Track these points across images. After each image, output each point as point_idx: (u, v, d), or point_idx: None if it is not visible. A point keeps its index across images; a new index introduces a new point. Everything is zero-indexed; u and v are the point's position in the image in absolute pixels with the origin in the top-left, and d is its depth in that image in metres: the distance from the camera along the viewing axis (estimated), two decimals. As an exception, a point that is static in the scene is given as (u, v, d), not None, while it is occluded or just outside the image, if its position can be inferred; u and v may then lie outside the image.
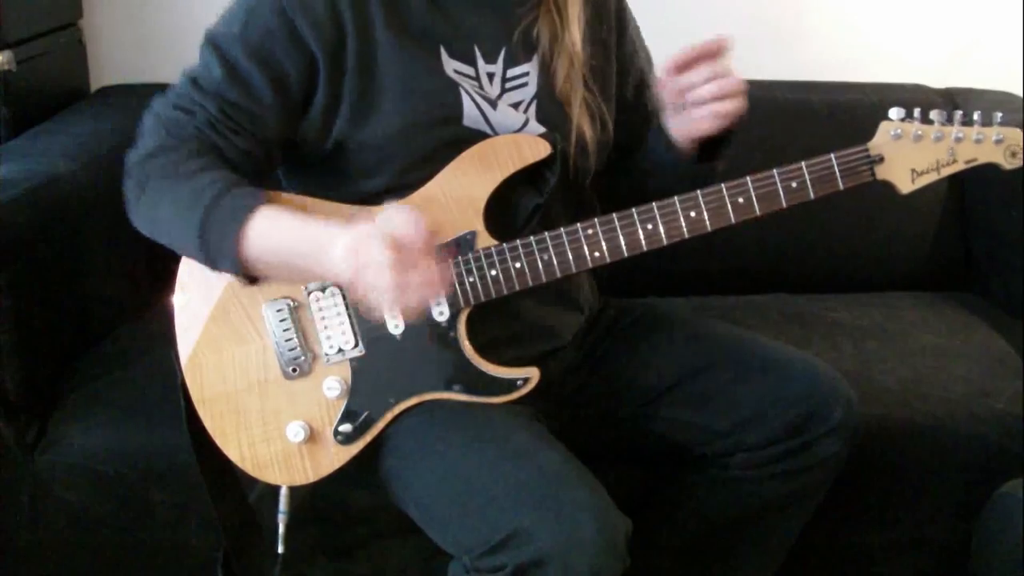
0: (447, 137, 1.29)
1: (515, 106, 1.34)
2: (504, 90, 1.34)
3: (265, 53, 1.25)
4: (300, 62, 1.26)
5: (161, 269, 1.74)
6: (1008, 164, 1.32)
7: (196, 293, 1.30)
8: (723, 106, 1.27)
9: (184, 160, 1.22)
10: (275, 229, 1.20)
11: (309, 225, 1.20)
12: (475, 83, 1.32)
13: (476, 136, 1.30)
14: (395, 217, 1.11)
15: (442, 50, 1.30)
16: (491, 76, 1.33)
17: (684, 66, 1.26)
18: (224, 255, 1.20)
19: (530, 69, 1.35)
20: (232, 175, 1.23)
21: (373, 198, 1.29)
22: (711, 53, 1.25)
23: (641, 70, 1.47)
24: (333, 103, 1.28)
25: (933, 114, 1.31)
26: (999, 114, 1.32)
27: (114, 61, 2.22)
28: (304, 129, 1.30)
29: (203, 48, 1.28)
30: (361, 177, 1.31)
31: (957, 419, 1.62)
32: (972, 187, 2.00)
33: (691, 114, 1.29)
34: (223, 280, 1.29)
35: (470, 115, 1.30)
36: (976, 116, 1.31)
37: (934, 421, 1.62)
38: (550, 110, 1.35)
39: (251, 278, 1.26)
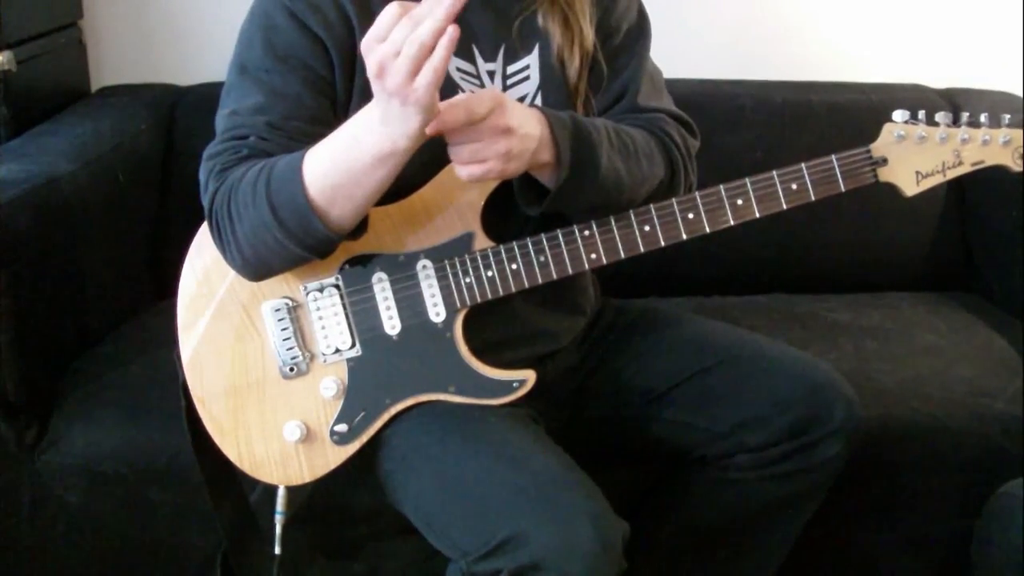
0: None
1: (520, 101, 1.33)
2: (506, 87, 1.33)
3: (294, 60, 1.25)
4: (324, 58, 1.26)
5: (161, 269, 1.74)
6: (1016, 166, 1.31)
7: (198, 292, 1.30)
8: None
9: (237, 180, 1.20)
10: (323, 151, 1.16)
11: (344, 126, 1.16)
12: (476, 81, 1.32)
13: None
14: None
15: None
16: (491, 74, 1.33)
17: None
18: (304, 217, 1.16)
19: (530, 62, 1.34)
20: (273, 159, 1.20)
21: (379, 200, 1.29)
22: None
23: (624, 90, 1.41)
24: (343, 105, 1.28)
25: (939, 116, 1.30)
26: (1007, 116, 1.30)
27: (114, 61, 2.22)
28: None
29: (232, 79, 1.28)
30: None
31: (957, 419, 1.62)
32: (972, 187, 2.00)
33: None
34: (225, 280, 1.29)
35: None
36: (983, 118, 1.30)
37: (934, 421, 1.62)
38: (556, 101, 1.34)
39: (349, 235, 1.22)
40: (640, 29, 1.42)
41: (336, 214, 1.17)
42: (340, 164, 1.15)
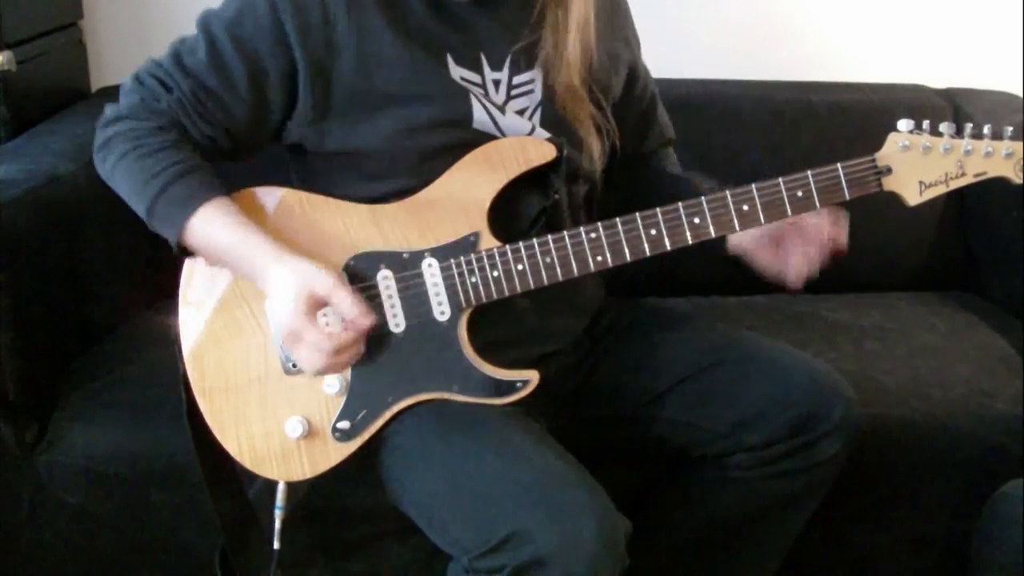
0: (456, 140, 1.29)
1: (521, 112, 1.34)
2: (510, 97, 1.34)
3: (251, 48, 1.27)
4: (283, 65, 1.27)
5: (161, 269, 1.74)
6: (1017, 178, 1.31)
7: (201, 286, 1.31)
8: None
9: (149, 133, 1.26)
10: (214, 232, 1.24)
11: (249, 241, 1.23)
12: (482, 90, 1.32)
13: (485, 139, 1.31)
14: (345, 306, 1.20)
15: (449, 57, 1.31)
16: (497, 83, 1.33)
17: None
18: (168, 233, 1.25)
19: (534, 76, 1.35)
20: (189, 159, 1.26)
21: (384, 199, 1.30)
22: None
23: (646, 83, 1.50)
24: (321, 109, 1.29)
25: (943, 126, 1.31)
26: (1009, 128, 1.31)
27: (114, 61, 2.22)
28: (303, 135, 1.31)
29: (198, 25, 1.30)
30: (372, 181, 1.31)
31: (957, 419, 1.62)
32: (972, 188, 2.00)
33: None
34: (228, 274, 1.30)
35: (480, 119, 1.31)
36: (986, 130, 1.30)
37: (934, 421, 1.62)
38: (555, 117, 1.35)
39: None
40: (627, 18, 1.48)
41: (196, 251, 1.27)
42: (221, 258, 1.26)
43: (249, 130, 1.31)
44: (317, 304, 1.21)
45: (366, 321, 1.21)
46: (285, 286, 1.20)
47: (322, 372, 1.23)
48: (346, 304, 1.20)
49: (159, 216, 1.24)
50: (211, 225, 1.24)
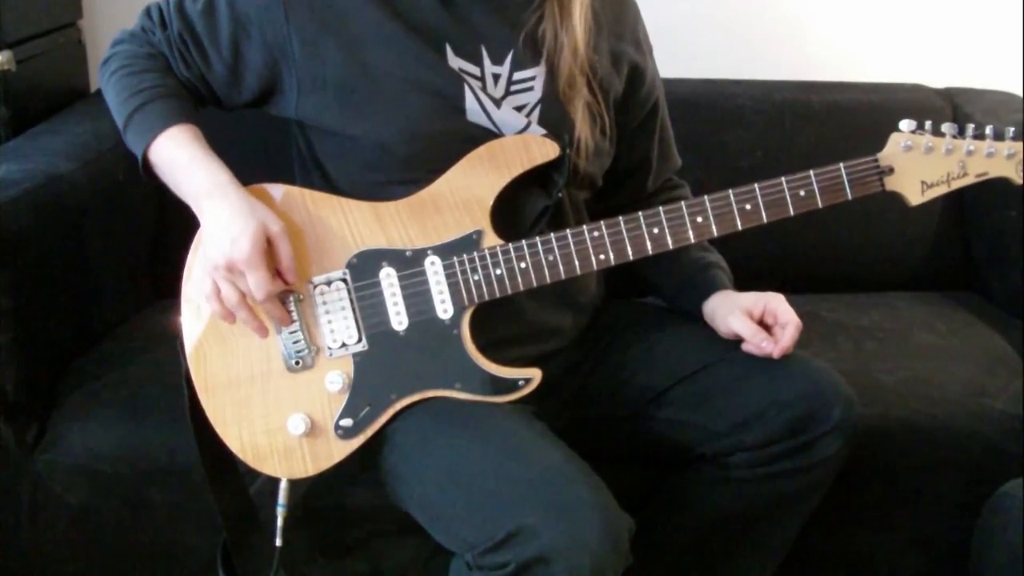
0: (449, 131, 1.30)
1: (519, 109, 1.34)
2: (508, 92, 1.34)
3: (243, 13, 1.31)
4: (269, 36, 1.30)
5: (161, 269, 1.74)
6: (1018, 179, 1.32)
7: (202, 283, 1.30)
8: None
9: (141, 56, 1.35)
10: (176, 149, 1.29)
11: (211, 161, 1.28)
12: (479, 83, 1.32)
13: (479, 131, 1.31)
14: (286, 251, 1.25)
15: (448, 48, 1.31)
16: (496, 77, 1.33)
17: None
18: (136, 151, 1.31)
19: (536, 74, 1.35)
20: (173, 86, 1.33)
21: (382, 189, 1.30)
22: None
23: (656, 100, 1.48)
24: (313, 82, 1.31)
25: (945, 127, 1.31)
26: (1012, 129, 1.32)
27: (114, 61, 2.21)
28: (300, 108, 1.33)
29: None
30: (370, 170, 1.32)
31: (957, 419, 1.62)
32: (972, 187, 2.00)
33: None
34: None
35: (472, 110, 1.31)
36: (989, 130, 1.31)
37: (934, 421, 1.61)
38: (553, 116, 1.35)
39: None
40: (638, 28, 1.45)
41: (159, 173, 1.31)
42: (172, 180, 1.29)
43: (224, 86, 1.35)
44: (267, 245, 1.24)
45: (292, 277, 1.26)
46: (248, 214, 1.23)
47: (236, 310, 1.25)
48: (288, 252, 1.24)
49: (133, 129, 1.30)
50: (176, 141, 1.28)
